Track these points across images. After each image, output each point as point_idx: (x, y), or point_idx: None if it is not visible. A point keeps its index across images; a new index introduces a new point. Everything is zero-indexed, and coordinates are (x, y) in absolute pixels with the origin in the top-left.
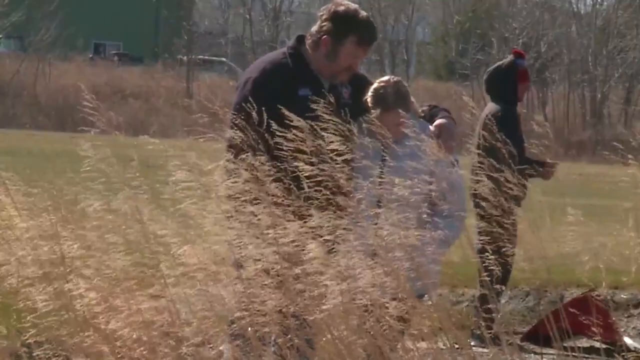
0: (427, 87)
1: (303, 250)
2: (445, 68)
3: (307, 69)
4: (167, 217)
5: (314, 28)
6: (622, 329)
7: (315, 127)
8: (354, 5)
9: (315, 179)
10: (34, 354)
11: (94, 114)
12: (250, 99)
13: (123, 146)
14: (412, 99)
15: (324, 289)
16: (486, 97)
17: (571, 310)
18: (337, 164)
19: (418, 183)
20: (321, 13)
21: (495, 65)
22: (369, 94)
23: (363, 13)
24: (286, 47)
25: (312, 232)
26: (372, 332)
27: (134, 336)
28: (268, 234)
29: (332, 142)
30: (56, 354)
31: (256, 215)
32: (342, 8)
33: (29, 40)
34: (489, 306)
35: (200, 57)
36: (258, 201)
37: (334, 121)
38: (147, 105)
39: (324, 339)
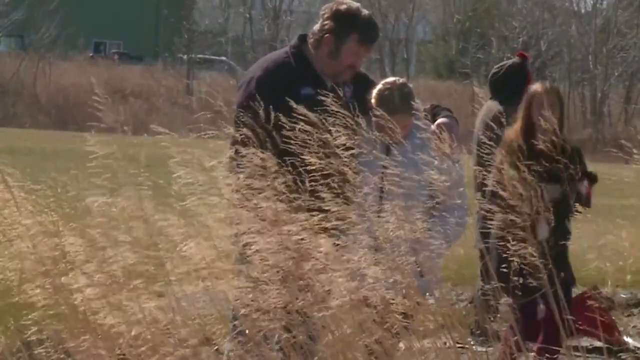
0: (428, 86)
1: (310, 244)
2: (445, 67)
3: (309, 68)
4: (171, 214)
5: (316, 27)
6: (622, 328)
7: (323, 121)
8: (355, 4)
9: (322, 173)
10: (35, 352)
11: (103, 110)
12: (253, 97)
13: (124, 145)
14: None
15: (331, 287)
16: (487, 95)
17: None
18: (345, 157)
19: (427, 176)
20: (323, 12)
21: (508, 64)
22: (374, 95)
23: (365, 11)
24: (288, 47)
25: (320, 225)
26: (374, 329)
27: (133, 333)
28: (273, 228)
29: (339, 135)
30: (56, 352)
31: (259, 209)
32: (344, 7)
33: (29, 39)
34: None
35: (201, 56)
36: (263, 195)
37: (340, 114)
38: (147, 104)
39: (327, 337)
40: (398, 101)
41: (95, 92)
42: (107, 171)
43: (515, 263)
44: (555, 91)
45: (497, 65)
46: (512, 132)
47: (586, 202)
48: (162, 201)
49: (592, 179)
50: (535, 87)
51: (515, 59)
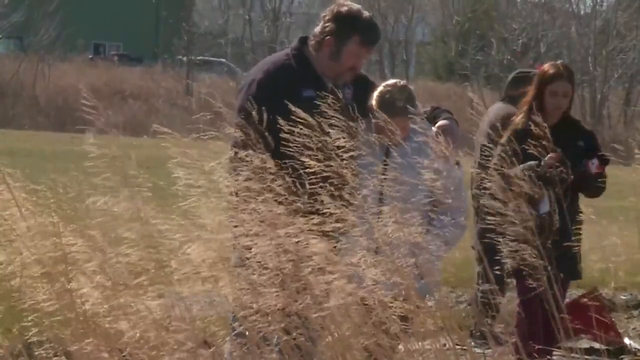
0: (427, 88)
1: (307, 246)
2: (444, 68)
3: (310, 70)
4: (171, 215)
5: (317, 29)
6: (622, 330)
7: (322, 123)
8: (356, 6)
9: (321, 175)
10: (36, 354)
11: (93, 113)
12: (254, 99)
13: (122, 146)
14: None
15: (328, 288)
16: (486, 97)
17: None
18: (343, 160)
19: (425, 180)
20: (324, 14)
21: (535, 72)
22: (375, 97)
23: (366, 13)
24: (289, 49)
25: (319, 228)
26: (373, 331)
27: (138, 335)
28: (272, 230)
29: (338, 138)
30: (57, 354)
31: (259, 213)
32: (345, 9)
33: (28, 40)
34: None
35: (200, 57)
36: (262, 198)
37: (339, 117)
38: (146, 106)
39: (326, 339)
40: (399, 103)
41: (89, 94)
42: (107, 172)
43: (509, 265)
44: (570, 77)
45: (524, 69)
46: (519, 115)
47: (596, 181)
48: (162, 202)
49: (604, 160)
50: (549, 70)
51: (537, 72)
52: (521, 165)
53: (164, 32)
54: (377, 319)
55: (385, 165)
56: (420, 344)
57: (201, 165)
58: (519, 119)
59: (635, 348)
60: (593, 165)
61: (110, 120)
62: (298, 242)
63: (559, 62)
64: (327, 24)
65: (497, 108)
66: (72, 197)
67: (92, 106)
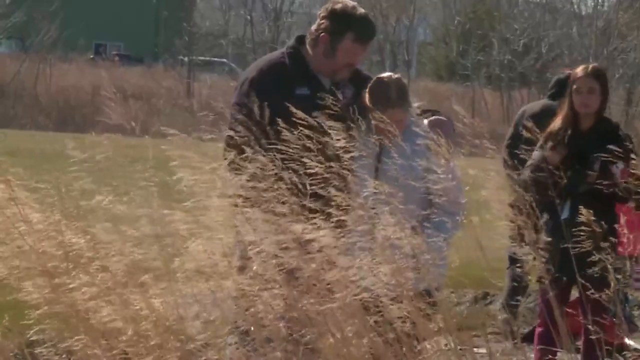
0: (428, 88)
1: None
2: (446, 69)
3: (305, 68)
4: (175, 213)
5: (313, 27)
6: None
7: (321, 123)
8: (351, 3)
9: (323, 177)
10: (36, 352)
11: (112, 107)
12: (247, 97)
13: (123, 146)
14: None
15: (331, 285)
16: (487, 98)
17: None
18: (345, 160)
19: (426, 182)
20: (319, 12)
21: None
22: (368, 90)
23: (361, 10)
24: (285, 47)
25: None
26: (375, 332)
27: (133, 331)
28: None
29: (338, 139)
30: (58, 352)
31: (263, 212)
32: (339, 5)
33: (29, 40)
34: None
35: (201, 57)
36: (265, 198)
37: (340, 118)
38: (147, 106)
39: (329, 341)
40: (393, 96)
41: (103, 92)
42: (108, 171)
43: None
44: (595, 74)
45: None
46: (557, 120)
47: (624, 186)
48: (166, 202)
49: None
50: (576, 71)
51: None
52: (528, 164)
53: (165, 33)
54: (381, 319)
55: (379, 165)
56: (421, 344)
57: (204, 166)
58: (552, 124)
59: (635, 348)
60: (617, 169)
61: (127, 115)
62: (303, 232)
63: (589, 65)
64: (322, 22)
65: (547, 103)
66: (74, 196)
67: (112, 99)
